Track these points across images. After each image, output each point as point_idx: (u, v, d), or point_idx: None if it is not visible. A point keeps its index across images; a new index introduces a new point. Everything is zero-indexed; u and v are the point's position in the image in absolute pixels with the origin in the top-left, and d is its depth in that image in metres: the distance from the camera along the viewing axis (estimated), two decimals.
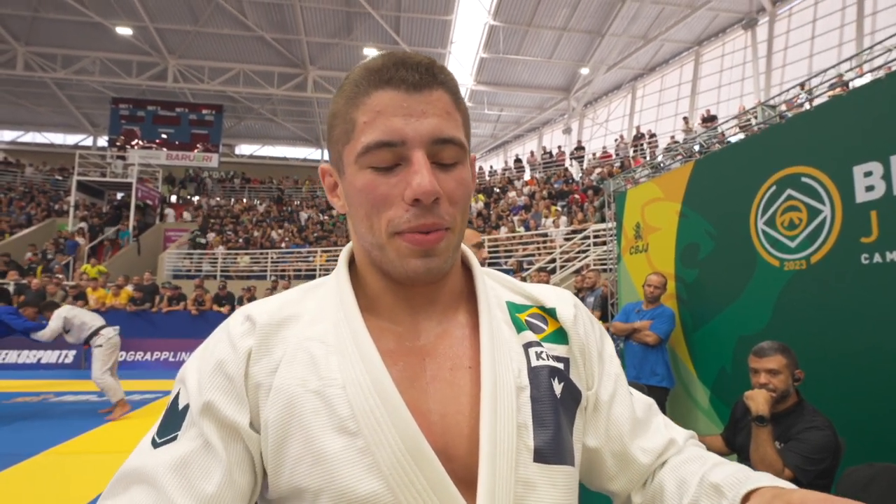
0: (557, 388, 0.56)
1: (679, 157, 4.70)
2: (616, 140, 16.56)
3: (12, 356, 8.19)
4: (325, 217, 16.42)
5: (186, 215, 16.29)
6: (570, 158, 16.74)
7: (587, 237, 9.47)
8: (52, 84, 17.44)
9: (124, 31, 14.91)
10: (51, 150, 21.74)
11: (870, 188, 2.46)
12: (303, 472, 0.48)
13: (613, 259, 5.42)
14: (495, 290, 0.64)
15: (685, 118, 15.15)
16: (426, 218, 0.50)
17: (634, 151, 14.82)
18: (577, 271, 8.44)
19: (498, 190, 16.00)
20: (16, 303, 8.64)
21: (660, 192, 4.36)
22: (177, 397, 0.53)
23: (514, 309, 0.62)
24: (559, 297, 0.64)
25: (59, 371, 7.12)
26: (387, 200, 0.51)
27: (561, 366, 0.58)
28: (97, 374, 5.08)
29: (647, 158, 12.55)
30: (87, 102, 19.28)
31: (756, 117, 3.44)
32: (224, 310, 9.16)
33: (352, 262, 0.62)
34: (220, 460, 0.48)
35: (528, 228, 11.77)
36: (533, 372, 0.55)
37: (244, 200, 18.99)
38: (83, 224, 13.91)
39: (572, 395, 0.58)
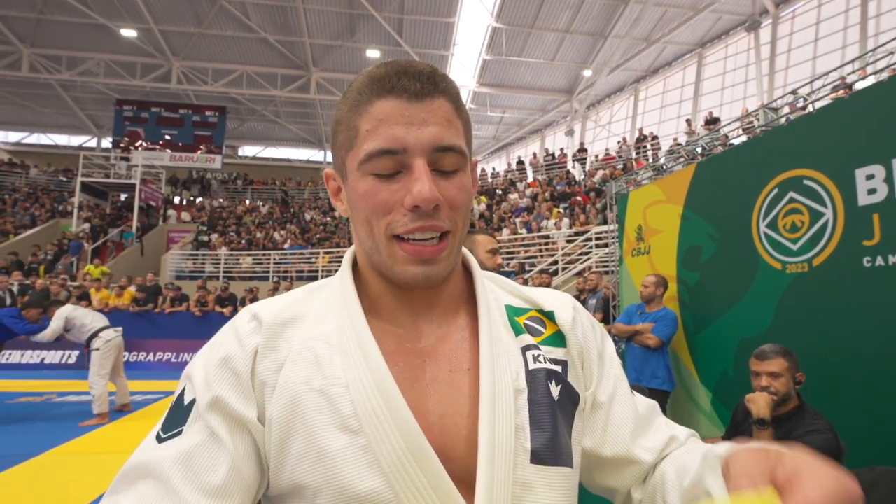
0: (555, 390, 0.57)
1: (682, 159, 4.70)
2: (619, 142, 16.55)
3: (16, 356, 8.24)
4: (328, 218, 16.47)
5: (186, 216, 16.34)
6: (573, 160, 16.73)
7: (589, 239, 9.47)
8: (57, 85, 17.54)
9: (129, 32, 15.00)
10: (55, 151, 21.86)
11: (872, 191, 2.46)
12: (305, 469, 0.49)
13: (615, 261, 5.42)
14: (495, 293, 0.64)
15: (688, 120, 15.13)
16: (425, 220, 0.51)
17: (637, 153, 14.81)
18: (580, 273, 8.44)
19: (500, 192, 16.01)
20: (20, 303, 8.70)
21: (662, 195, 4.36)
22: (182, 393, 0.53)
23: (512, 312, 0.62)
24: (558, 301, 0.65)
25: (62, 371, 7.16)
26: (387, 206, 0.52)
27: (559, 368, 0.59)
28: (92, 378, 5.06)
29: (650, 161, 12.54)
30: (91, 104, 19.39)
31: (758, 120, 3.44)
32: (226, 311, 9.18)
33: (355, 265, 0.63)
34: (228, 452, 0.49)
35: (530, 230, 11.78)
36: (530, 375, 0.56)
37: (247, 202, 19.04)
38: (87, 225, 13.98)
39: (570, 398, 0.58)
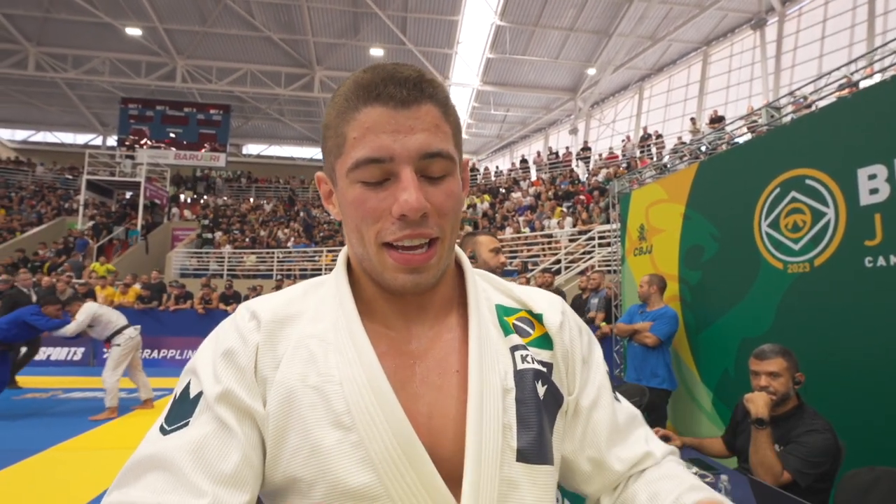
0: (541, 390, 0.58)
1: (686, 158, 4.69)
2: (623, 141, 16.49)
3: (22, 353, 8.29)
4: (333, 216, 16.48)
5: (188, 214, 16.41)
6: (577, 159, 16.69)
7: (592, 238, 9.45)
8: (63, 84, 17.65)
9: (133, 31, 15.06)
10: (61, 149, 22.01)
11: (874, 191, 2.45)
12: (299, 463, 0.50)
13: (618, 261, 5.41)
14: (487, 292, 0.65)
15: (692, 119, 15.06)
16: (413, 228, 0.52)
17: (641, 152, 14.75)
18: (582, 272, 8.43)
19: (503, 190, 15.99)
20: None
21: (664, 194, 4.35)
22: (187, 387, 0.54)
23: (502, 312, 0.63)
24: (548, 303, 0.65)
25: (67, 368, 7.21)
26: (376, 214, 0.52)
27: (545, 370, 0.59)
28: (106, 373, 5.15)
29: (654, 159, 12.50)
30: (96, 102, 19.50)
31: (760, 119, 3.43)
32: (230, 308, 9.22)
33: (350, 265, 0.63)
34: (238, 441, 0.49)
35: (533, 229, 11.76)
36: (519, 374, 0.57)
37: (251, 200, 19.10)
38: (92, 222, 14.08)
39: (554, 398, 0.59)
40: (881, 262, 2.40)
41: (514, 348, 0.59)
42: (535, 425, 0.55)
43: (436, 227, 0.53)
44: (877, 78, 2.96)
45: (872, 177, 2.46)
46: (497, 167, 20.44)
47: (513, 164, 19.86)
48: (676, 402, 3.93)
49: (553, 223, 11.54)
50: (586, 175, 15.08)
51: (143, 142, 17.28)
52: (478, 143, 24.42)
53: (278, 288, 10.00)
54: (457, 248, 0.63)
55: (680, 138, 14.38)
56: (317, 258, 12.77)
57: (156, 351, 8.84)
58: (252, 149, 24.16)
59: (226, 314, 9.01)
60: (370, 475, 0.49)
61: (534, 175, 17.20)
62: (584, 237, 9.70)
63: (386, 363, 0.55)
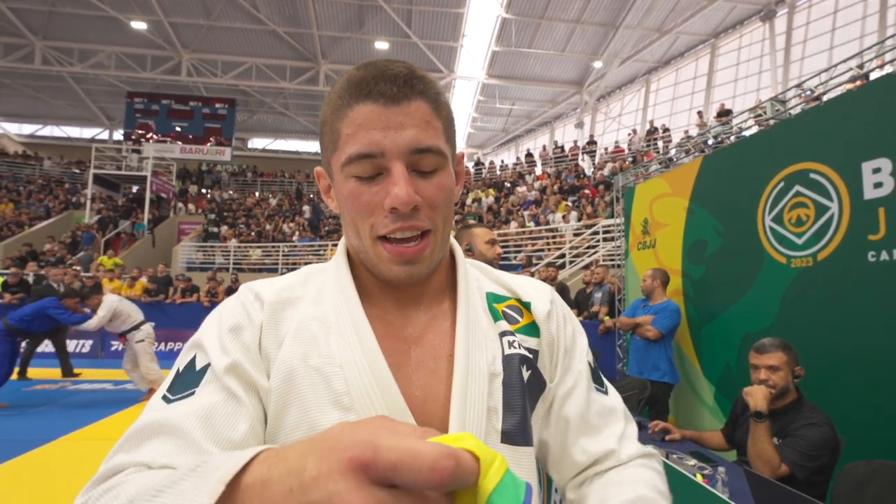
0: (525, 374, 0.60)
1: (692, 152, 4.66)
2: (629, 134, 16.38)
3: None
4: (332, 210, 16.50)
5: (192, 207, 16.50)
6: (582, 153, 16.60)
7: (597, 233, 9.43)
8: (69, 78, 17.72)
9: (139, 25, 15.09)
10: (68, 143, 22.15)
11: (878, 185, 2.43)
12: (297, 439, 0.51)
13: (622, 255, 5.40)
14: (479, 280, 0.67)
15: (699, 112, 14.92)
16: (405, 221, 0.54)
17: (647, 146, 14.65)
18: (587, 267, 8.42)
19: (508, 184, 15.95)
20: (34, 292, 8.86)
21: (668, 188, 4.34)
22: (193, 360, 0.54)
23: (492, 299, 0.65)
24: (537, 292, 0.67)
25: (76, 360, 7.29)
26: (370, 208, 0.54)
27: (531, 356, 0.61)
28: (145, 367, 5.35)
29: (661, 153, 12.41)
30: (103, 96, 19.58)
31: (765, 112, 3.40)
32: None
33: (349, 254, 0.65)
34: (246, 410, 0.51)
35: (538, 223, 11.74)
36: (506, 359, 0.59)
37: (256, 194, 19.17)
38: (99, 216, 14.20)
39: (538, 383, 0.61)
40: (884, 256, 2.39)
41: (502, 334, 0.61)
42: (519, 408, 0.57)
43: (427, 220, 0.55)
44: (888, 69, 2.91)
45: (877, 170, 2.44)
46: (502, 161, 20.38)
47: (518, 158, 19.80)
48: (678, 396, 3.94)
49: (558, 217, 11.51)
50: (592, 169, 15.01)
51: (149, 136, 17.37)
52: (483, 137, 24.33)
53: None
54: (452, 239, 0.65)
55: (687, 132, 14.27)
56: (322, 252, 12.82)
57: (162, 344, 8.91)
58: (257, 143, 24.21)
59: None
60: None
61: (539, 169, 17.13)
62: (589, 231, 9.67)
63: (383, 347, 0.57)
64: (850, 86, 3.38)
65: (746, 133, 4.17)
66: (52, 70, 16.36)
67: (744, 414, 2.19)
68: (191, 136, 17.67)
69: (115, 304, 5.27)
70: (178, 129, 17.68)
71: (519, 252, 10.48)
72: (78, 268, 10.41)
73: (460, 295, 0.62)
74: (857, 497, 1.76)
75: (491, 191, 15.32)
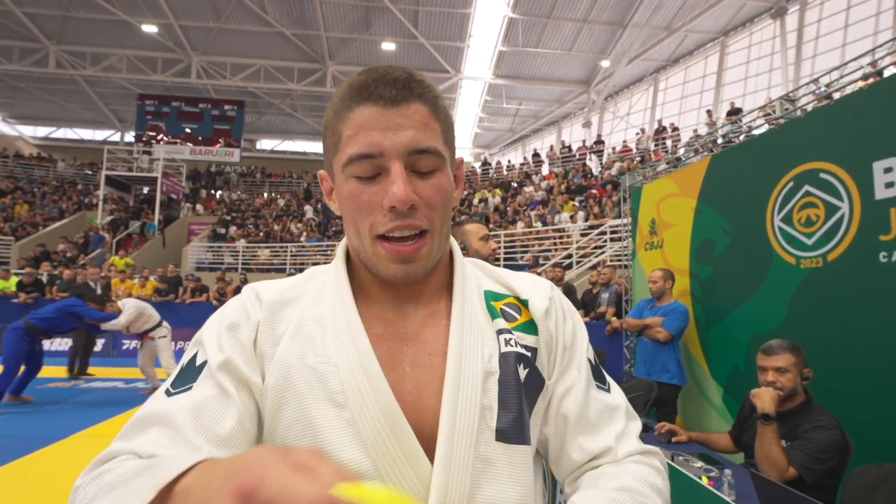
0: (522, 373, 0.60)
1: (700, 151, 4.62)
2: (637, 134, 16.27)
3: (44, 344, 8.53)
4: (334, 211, 16.56)
5: (200, 208, 16.66)
6: (590, 152, 16.52)
7: (604, 233, 9.38)
8: (82, 81, 17.98)
9: (150, 28, 15.28)
10: (81, 145, 22.47)
11: (889, 185, 2.40)
12: (295, 435, 0.55)
13: (629, 255, 5.37)
14: (478, 279, 0.68)
15: (709, 111, 14.79)
16: (403, 220, 0.55)
17: (656, 145, 14.54)
18: (594, 267, 8.38)
19: (515, 184, 15.91)
20: (48, 293, 9.00)
21: (675, 188, 4.31)
22: (194, 356, 0.58)
23: (490, 297, 0.66)
24: (535, 289, 0.67)
25: (68, 358, 7.42)
26: (369, 207, 0.56)
27: (528, 354, 0.61)
28: (165, 363, 5.72)
29: (669, 153, 12.32)
30: (114, 99, 19.84)
31: (774, 112, 3.37)
32: None
33: (350, 255, 0.67)
34: (235, 407, 0.53)
35: (545, 223, 11.70)
36: (503, 357, 0.60)
37: (264, 195, 19.31)
38: (111, 217, 14.39)
39: (536, 381, 0.61)
40: None
41: (500, 332, 0.62)
42: (515, 407, 0.57)
43: (425, 220, 0.56)
44: None
45: (888, 170, 2.41)
46: (509, 161, 20.33)
47: (525, 157, 19.74)
48: (686, 398, 3.91)
49: (565, 217, 11.47)
50: (599, 169, 14.93)
51: (159, 137, 17.57)
52: (490, 137, 24.30)
53: None
54: (451, 239, 0.66)
55: (696, 131, 14.15)
56: (329, 252, 12.88)
57: (173, 343, 9.00)
58: (266, 144, 24.38)
59: None
60: (359, 450, 0.53)
61: (546, 169, 17.06)
62: (596, 232, 9.63)
63: (380, 345, 0.58)
64: (861, 84, 3.33)
65: (756, 132, 4.13)
66: (65, 73, 16.62)
67: (751, 416, 2.17)
68: (200, 138, 17.85)
69: (141, 308, 5.60)
70: (187, 130, 17.87)
71: (526, 252, 10.46)
72: (90, 268, 10.55)
73: (456, 293, 0.63)
74: (867, 500, 1.74)
75: (498, 191, 15.29)
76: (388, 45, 16.20)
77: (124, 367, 7.49)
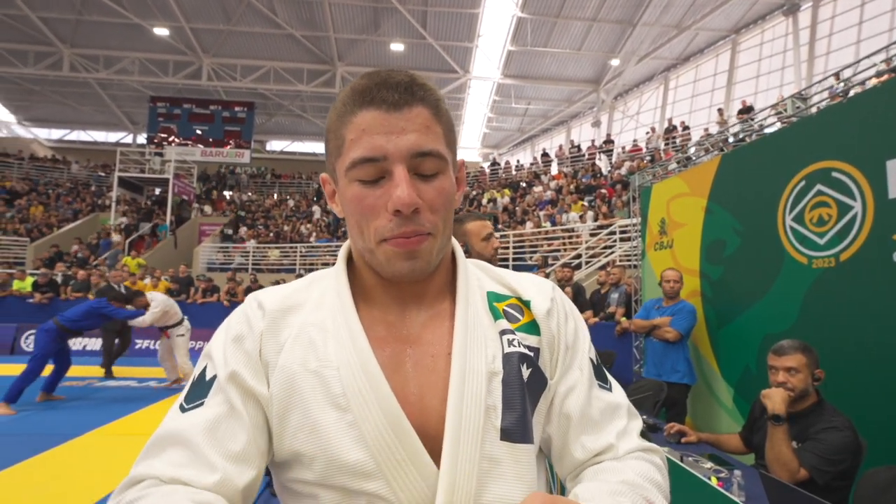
0: (525, 373, 0.60)
1: (711, 150, 4.59)
2: (647, 133, 16.15)
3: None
4: (336, 214, 16.66)
5: (208, 209, 16.83)
6: (599, 152, 16.43)
7: (613, 233, 9.33)
8: (95, 84, 18.26)
9: (161, 31, 15.48)
10: (94, 147, 22.81)
11: None
12: (301, 440, 0.56)
13: (639, 255, 5.34)
14: (480, 280, 0.68)
15: (720, 110, 14.64)
16: (407, 226, 0.56)
17: (666, 144, 14.43)
18: (603, 267, 8.34)
19: (524, 184, 15.88)
20: (63, 293, 9.15)
21: (686, 188, 4.28)
22: (204, 370, 0.60)
23: (493, 298, 0.66)
24: (537, 290, 0.68)
25: (102, 358, 7.52)
26: (373, 210, 0.56)
27: (531, 354, 0.62)
28: (181, 360, 5.92)
29: (679, 152, 12.22)
30: (127, 101, 20.12)
31: (786, 110, 3.33)
32: None
33: (351, 258, 0.68)
34: (245, 423, 0.55)
35: (554, 223, 11.67)
36: (506, 358, 0.60)
37: (274, 196, 19.47)
38: (124, 219, 14.59)
39: (539, 381, 0.62)
40: None
41: (502, 333, 0.62)
42: (519, 406, 0.58)
43: (428, 223, 0.57)
44: None
45: None
46: (518, 161, 20.29)
47: (534, 157, 19.69)
48: (697, 399, 3.88)
49: (574, 217, 11.42)
50: (609, 168, 14.84)
51: (171, 139, 17.79)
52: (498, 137, 24.26)
53: None
54: (454, 240, 0.67)
55: (706, 130, 14.01)
56: (338, 252, 12.95)
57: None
58: (275, 145, 24.57)
59: None
60: (364, 452, 0.54)
61: (555, 169, 17.00)
62: (606, 232, 9.58)
63: (382, 347, 0.59)
64: (875, 81, 3.29)
65: (768, 131, 4.09)
66: (79, 77, 16.88)
67: (762, 417, 2.15)
68: (211, 140, 18.04)
69: (167, 305, 5.74)
70: (198, 132, 18.07)
71: (535, 252, 10.43)
72: (103, 268, 10.72)
73: (459, 294, 0.63)
74: (879, 503, 1.72)
75: (507, 191, 15.27)
76: (397, 46, 16.25)
77: (138, 367, 7.60)
